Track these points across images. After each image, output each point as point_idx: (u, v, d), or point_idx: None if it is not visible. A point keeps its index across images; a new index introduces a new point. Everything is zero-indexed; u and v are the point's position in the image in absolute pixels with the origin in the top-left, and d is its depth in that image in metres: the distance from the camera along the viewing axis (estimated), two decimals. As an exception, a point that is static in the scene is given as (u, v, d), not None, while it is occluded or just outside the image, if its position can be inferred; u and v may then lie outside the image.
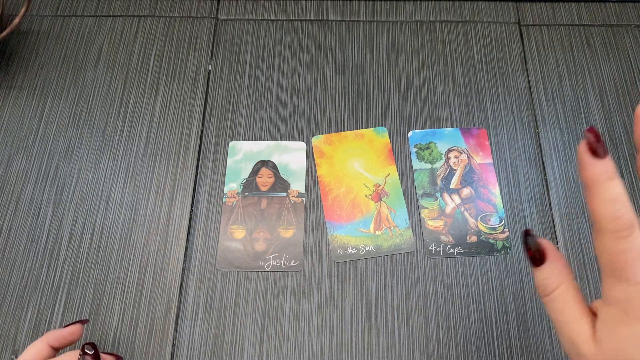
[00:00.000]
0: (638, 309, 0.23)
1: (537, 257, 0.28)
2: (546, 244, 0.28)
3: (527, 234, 0.28)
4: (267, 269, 0.45)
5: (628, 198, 0.24)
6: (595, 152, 0.24)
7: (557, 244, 0.46)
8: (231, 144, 0.50)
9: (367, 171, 0.49)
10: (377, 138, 0.51)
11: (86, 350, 0.34)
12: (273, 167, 0.50)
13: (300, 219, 0.47)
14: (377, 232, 0.47)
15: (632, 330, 0.24)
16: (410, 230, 0.47)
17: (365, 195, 0.48)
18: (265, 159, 0.50)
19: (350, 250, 0.46)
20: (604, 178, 0.24)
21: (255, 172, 0.49)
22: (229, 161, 0.50)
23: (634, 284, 0.23)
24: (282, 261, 0.46)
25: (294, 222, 0.47)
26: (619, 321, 0.24)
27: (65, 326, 0.37)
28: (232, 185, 0.49)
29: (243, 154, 0.50)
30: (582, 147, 0.25)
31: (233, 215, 0.47)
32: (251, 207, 0.48)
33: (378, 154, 0.50)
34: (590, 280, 0.45)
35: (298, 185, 0.49)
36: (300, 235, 0.47)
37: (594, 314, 0.26)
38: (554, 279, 0.27)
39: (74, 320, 0.42)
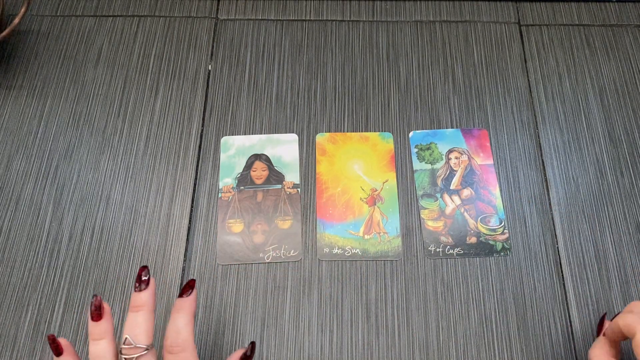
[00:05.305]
0: None
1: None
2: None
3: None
4: (267, 261, 0.45)
5: None
6: None
7: (557, 244, 0.46)
8: (223, 139, 0.50)
9: (365, 174, 0.49)
10: (381, 142, 0.51)
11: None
12: (266, 160, 0.50)
13: (297, 210, 0.48)
14: (366, 237, 0.47)
15: None
16: (400, 238, 0.47)
17: (360, 198, 0.48)
18: (258, 153, 0.50)
19: (336, 250, 0.46)
20: None
21: (249, 166, 0.49)
22: (222, 156, 0.50)
23: None
24: (282, 252, 0.46)
25: (290, 213, 0.47)
26: None
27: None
28: (227, 180, 0.49)
29: (235, 148, 0.50)
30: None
31: (230, 210, 0.47)
32: (247, 201, 0.48)
33: (380, 158, 0.50)
34: (590, 280, 0.45)
35: (292, 176, 0.49)
36: (297, 225, 0.47)
37: None
38: None
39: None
